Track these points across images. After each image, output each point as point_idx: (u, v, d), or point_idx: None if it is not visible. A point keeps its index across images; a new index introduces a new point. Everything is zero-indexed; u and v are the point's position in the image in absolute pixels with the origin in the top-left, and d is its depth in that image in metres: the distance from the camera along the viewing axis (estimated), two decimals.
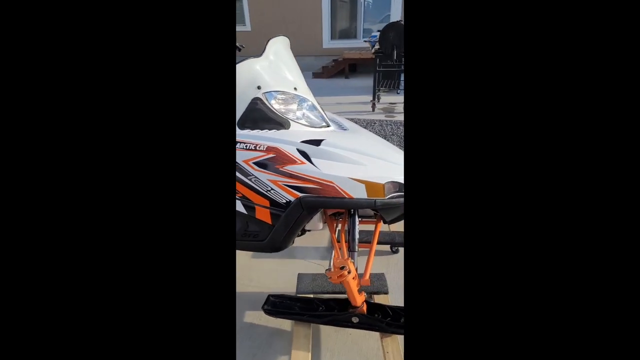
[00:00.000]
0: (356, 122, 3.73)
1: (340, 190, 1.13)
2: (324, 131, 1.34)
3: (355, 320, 1.25)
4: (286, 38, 1.42)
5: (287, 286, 1.61)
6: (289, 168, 1.17)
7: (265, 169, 1.19)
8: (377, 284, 1.50)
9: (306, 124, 1.33)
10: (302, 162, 1.17)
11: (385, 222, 1.38)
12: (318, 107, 1.40)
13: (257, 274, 1.75)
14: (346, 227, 1.34)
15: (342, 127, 1.44)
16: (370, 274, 1.50)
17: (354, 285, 1.23)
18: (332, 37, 7.11)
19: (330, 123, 1.40)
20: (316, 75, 6.62)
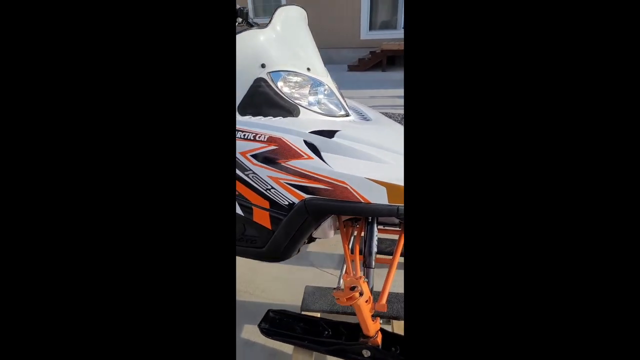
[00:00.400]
0: (390, 117, 3.44)
1: (354, 192, 0.91)
2: (340, 121, 1.11)
3: (366, 354, 1.02)
4: (301, 9, 1.20)
5: (295, 298, 1.41)
6: (293, 163, 0.96)
7: (265, 163, 0.99)
8: (398, 307, 1.25)
9: (320, 111, 1.11)
10: (309, 157, 0.95)
11: None
12: (336, 92, 1.17)
13: (263, 280, 1.56)
14: (363, 236, 1.11)
15: (364, 117, 1.20)
16: (390, 294, 1.26)
17: (366, 310, 1.00)
18: (371, 28, 6.78)
19: (350, 112, 1.17)
20: (352, 68, 6.35)
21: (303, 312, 1.27)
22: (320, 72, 1.16)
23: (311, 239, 1.17)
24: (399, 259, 1.13)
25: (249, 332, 1.29)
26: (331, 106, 1.14)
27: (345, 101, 1.20)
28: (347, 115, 1.15)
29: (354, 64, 6.39)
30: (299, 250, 1.09)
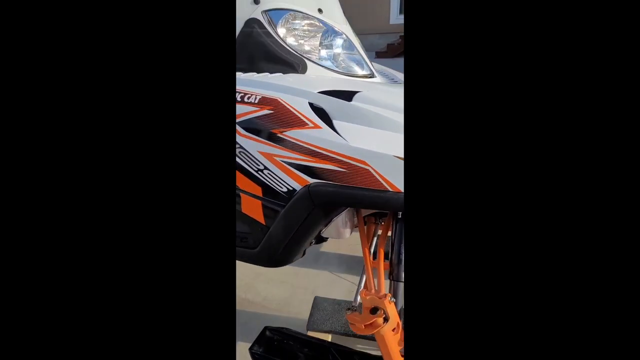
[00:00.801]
0: None
1: (378, 176, 0.63)
2: (362, 82, 0.82)
3: None
4: None
5: (302, 310, 1.15)
6: (294, 134, 0.68)
7: (256, 134, 0.72)
8: None
9: (335, 69, 0.83)
10: (316, 126, 0.68)
11: None
12: (358, 46, 0.88)
13: (265, 285, 1.31)
14: (390, 236, 0.84)
15: (393, 80, 0.91)
16: None
17: (393, 342, 0.72)
18: (401, 12, 6.35)
19: (376, 73, 0.88)
20: (380, 54, 5.97)
21: (309, 332, 1.00)
22: (338, 17, 0.88)
23: (320, 239, 0.89)
24: None
25: (243, 353, 1.04)
26: (350, 63, 0.86)
27: (372, 63, 0.91)
28: (372, 76, 0.86)
29: (382, 50, 6.01)
30: (304, 253, 0.82)
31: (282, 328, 0.96)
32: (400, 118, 0.67)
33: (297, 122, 0.69)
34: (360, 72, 0.86)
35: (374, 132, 0.66)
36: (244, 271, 1.33)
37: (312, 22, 0.82)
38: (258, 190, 0.75)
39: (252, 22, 0.78)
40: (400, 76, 0.99)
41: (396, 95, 0.76)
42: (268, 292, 1.27)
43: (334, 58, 0.85)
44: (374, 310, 0.71)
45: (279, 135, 0.70)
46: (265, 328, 0.95)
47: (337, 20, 0.87)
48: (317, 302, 1.10)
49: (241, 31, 0.79)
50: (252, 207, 0.77)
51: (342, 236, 0.86)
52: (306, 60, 0.80)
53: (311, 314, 1.07)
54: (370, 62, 0.92)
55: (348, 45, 0.87)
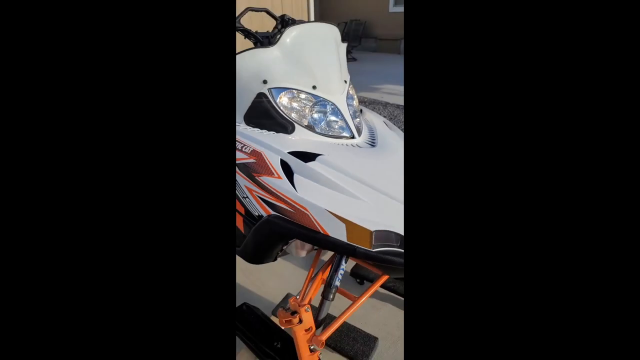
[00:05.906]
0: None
1: (314, 221, 0.87)
2: (334, 143, 1.05)
3: None
4: (330, 26, 1.14)
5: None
6: (265, 179, 0.95)
7: (244, 173, 0.99)
8: (359, 350, 1.22)
9: (319, 131, 1.07)
10: (279, 177, 0.94)
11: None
12: (345, 112, 1.10)
13: (265, 274, 1.61)
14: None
15: (370, 142, 1.12)
16: (359, 334, 1.28)
17: (302, 339, 1.02)
18: (395, 3, 6.41)
19: (358, 134, 1.10)
20: None
21: (273, 316, 1.31)
22: (334, 89, 1.10)
23: (285, 252, 1.18)
24: (364, 299, 1.13)
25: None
26: (334, 127, 1.09)
27: (354, 121, 1.11)
28: (352, 137, 1.09)
29: None
30: (272, 259, 1.09)
31: (254, 307, 1.25)
32: (342, 180, 0.90)
33: (268, 172, 0.95)
34: (341, 134, 1.08)
35: (319, 188, 0.90)
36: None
37: (305, 96, 1.06)
38: (242, 211, 1.02)
39: (261, 95, 1.05)
40: (381, 133, 1.16)
41: (353, 160, 0.99)
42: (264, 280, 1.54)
43: (318, 122, 1.08)
44: (293, 313, 0.98)
45: (257, 178, 0.96)
46: (244, 304, 1.25)
47: (333, 92, 1.08)
48: (289, 297, 1.38)
49: (254, 100, 1.06)
50: (239, 221, 1.05)
51: (299, 255, 1.13)
52: (295, 124, 1.04)
53: (279, 303, 1.34)
54: (355, 121, 1.11)
55: (334, 113, 1.08)
